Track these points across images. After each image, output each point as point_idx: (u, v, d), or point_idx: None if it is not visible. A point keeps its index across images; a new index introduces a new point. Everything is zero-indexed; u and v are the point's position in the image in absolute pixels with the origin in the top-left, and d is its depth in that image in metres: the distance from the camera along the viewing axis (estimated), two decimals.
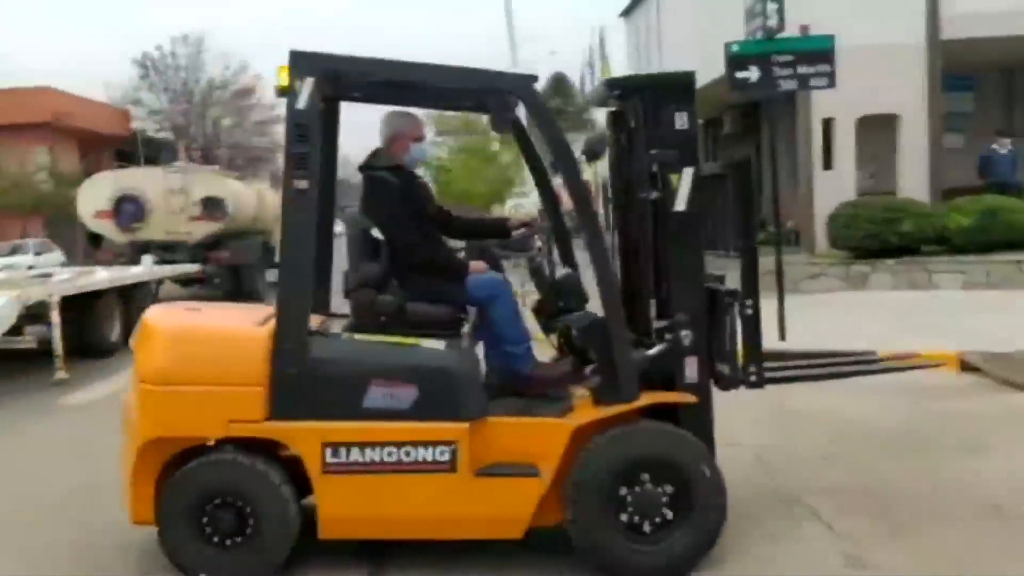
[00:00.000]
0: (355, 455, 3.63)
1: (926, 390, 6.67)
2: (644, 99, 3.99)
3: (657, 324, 3.96)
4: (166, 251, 14.77)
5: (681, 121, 3.94)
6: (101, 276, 10.52)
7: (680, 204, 3.92)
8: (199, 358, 3.69)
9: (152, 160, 22.86)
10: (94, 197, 15.74)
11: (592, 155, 4.17)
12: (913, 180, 13.89)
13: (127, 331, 10.45)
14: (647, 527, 3.70)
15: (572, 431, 3.72)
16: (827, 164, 14.19)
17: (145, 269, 12.34)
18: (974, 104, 15.47)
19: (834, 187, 13.85)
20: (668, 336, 3.89)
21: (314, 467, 3.64)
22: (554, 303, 4.18)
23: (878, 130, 14.11)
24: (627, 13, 24.80)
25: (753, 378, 4.19)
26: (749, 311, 4.12)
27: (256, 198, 17.25)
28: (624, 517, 3.69)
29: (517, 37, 13.89)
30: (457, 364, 3.77)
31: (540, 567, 3.86)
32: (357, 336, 3.86)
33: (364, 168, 4.26)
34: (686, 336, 3.89)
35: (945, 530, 4.06)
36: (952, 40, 13.37)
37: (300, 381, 3.61)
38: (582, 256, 4.16)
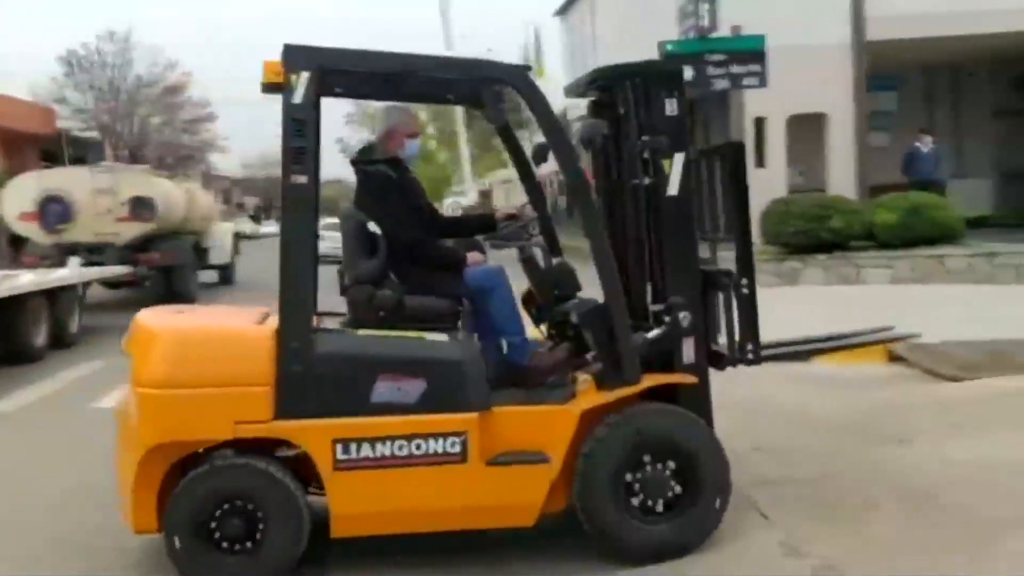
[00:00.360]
0: (366, 451, 3.61)
1: (855, 381, 6.86)
2: (634, 87, 4.05)
3: (653, 307, 4.04)
4: (93, 253, 14.31)
5: (671, 107, 4.02)
6: (26, 279, 10.15)
7: (672, 189, 4.01)
8: (203, 360, 3.62)
9: (79, 160, 22.23)
10: (18, 198, 15.17)
11: (588, 143, 4.16)
12: (841, 177, 14.30)
13: (54, 335, 10.15)
14: (654, 507, 3.81)
15: (579, 416, 3.78)
16: (759, 162, 14.48)
17: (72, 272, 11.97)
18: (898, 104, 16.00)
19: (766, 185, 14.14)
20: (667, 319, 3.97)
21: (325, 465, 3.60)
22: (548, 292, 4.22)
23: (807, 129, 14.49)
24: (562, 12, 24.91)
25: (750, 356, 4.27)
26: (745, 290, 4.18)
27: (186, 198, 16.86)
28: (632, 498, 3.79)
29: (452, 34, 13.80)
30: (464, 355, 3.79)
31: (484, 562, 3.88)
32: (360, 331, 3.84)
33: (358, 162, 4.23)
34: (684, 318, 3.98)
35: (880, 519, 4.14)
36: (877, 41, 13.79)
37: (306, 378, 3.58)
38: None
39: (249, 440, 3.61)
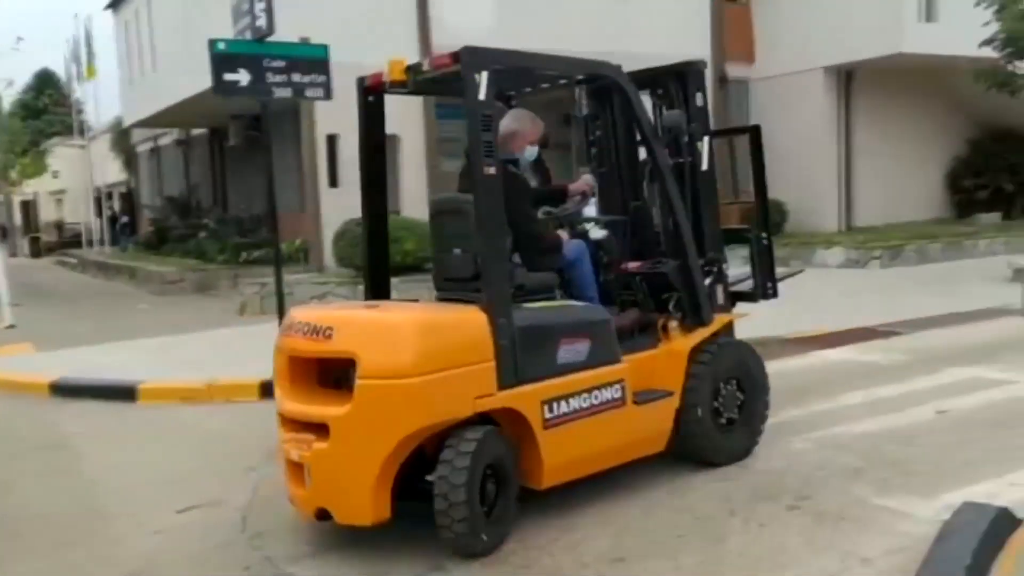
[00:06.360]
0: (563, 407, 4.12)
1: None
2: (675, 83, 5.01)
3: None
4: None
5: (700, 100, 4.98)
6: None
7: (705, 164, 4.96)
8: (445, 344, 3.83)
9: None
10: None
11: (670, 131, 4.84)
12: (414, 200, 14.34)
13: None
14: (729, 418, 4.86)
15: (688, 354, 4.72)
16: (333, 182, 14.03)
17: None
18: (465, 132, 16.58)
19: (341, 204, 13.73)
20: (712, 269, 4.98)
21: (537, 424, 4.03)
22: (597, 261, 4.96)
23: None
24: (114, 6, 22.37)
25: (770, 292, 5.43)
26: (764, 242, 5.37)
27: None
28: (718, 414, 4.80)
29: None
30: (608, 315, 4.47)
31: None
32: (528, 305, 4.19)
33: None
34: (726, 267, 5.06)
35: None
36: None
37: (513, 351, 3.94)
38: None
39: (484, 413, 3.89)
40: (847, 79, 17.61)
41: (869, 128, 17.77)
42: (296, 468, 3.94)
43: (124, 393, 7.44)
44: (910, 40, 15.96)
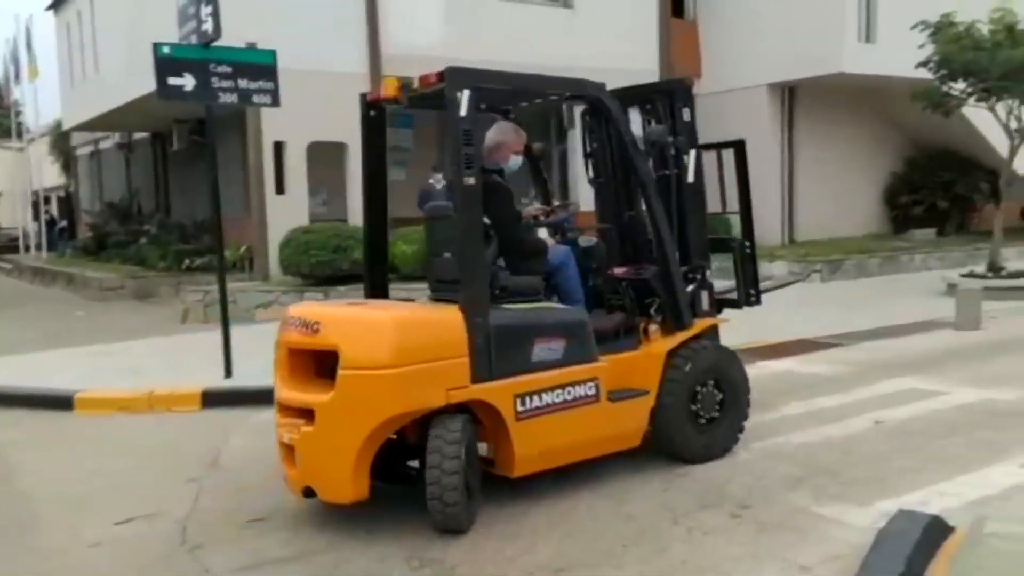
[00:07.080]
0: (536, 401, 4.36)
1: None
2: (663, 99, 5.28)
3: (681, 268, 5.12)
4: None
5: (687, 115, 5.21)
6: None
7: (691, 177, 5.19)
8: (421, 340, 4.12)
9: None
10: None
11: (653, 145, 5.17)
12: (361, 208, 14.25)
13: None
14: (707, 419, 5.05)
15: (665, 356, 4.95)
16: (279, 188, 13.87)
17: None
18: (413, 140, 16.53)
19: (287, 212, 13.59)
20: (696, 276, 5.22)
21: (509, 416, 4.29)
22: (594, 267, 5.29)
23: (328, 156, 14.22)
24: (55, 7, 21.85)
25: (753, 299, 5.68)
26: (748, 251, 5.64)
27: None
28: (694, 414, 5.00)
29: None
30: (585, 317, 4.69)
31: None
32: (507, 306, 4.46)
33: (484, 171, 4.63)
34: (710, 274, 5.27)
35: None
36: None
37: (488, 348, 4.22)
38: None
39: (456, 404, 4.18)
40: (790, 96, 18.01)
41: (811, 144, 18.18)
42: (288, 450, 4.26)
43: (60, 402, 7.25)
44: (850, 60, 16.39)
